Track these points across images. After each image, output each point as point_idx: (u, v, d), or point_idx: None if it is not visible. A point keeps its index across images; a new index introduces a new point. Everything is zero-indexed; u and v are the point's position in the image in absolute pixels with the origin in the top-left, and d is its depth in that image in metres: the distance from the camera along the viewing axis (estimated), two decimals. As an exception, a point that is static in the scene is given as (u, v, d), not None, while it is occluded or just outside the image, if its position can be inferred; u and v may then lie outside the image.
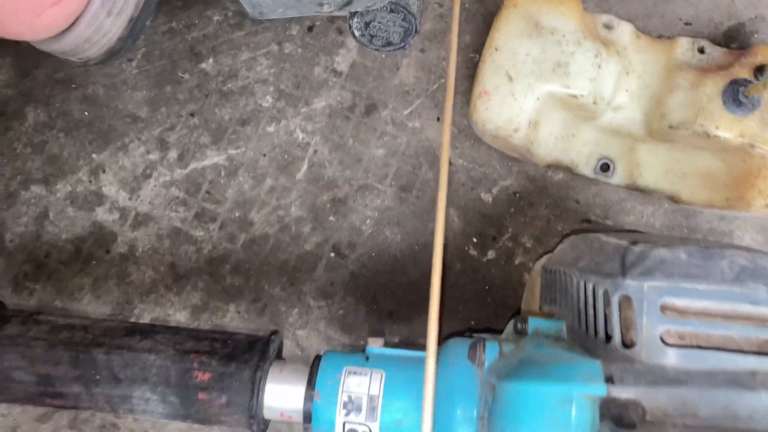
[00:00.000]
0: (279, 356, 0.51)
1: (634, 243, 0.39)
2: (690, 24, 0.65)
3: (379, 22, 0.56)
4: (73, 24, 0.36)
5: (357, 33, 0.57)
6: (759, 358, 0.35)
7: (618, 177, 0.61)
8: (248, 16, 0.64)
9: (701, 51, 0.58)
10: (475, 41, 0.66)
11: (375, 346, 0.48)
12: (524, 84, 0.55)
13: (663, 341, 0.35)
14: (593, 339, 0.39)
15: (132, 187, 0.66)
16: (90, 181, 0.67)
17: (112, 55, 0.40)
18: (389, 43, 0.59)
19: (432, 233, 0.63)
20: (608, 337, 0.38)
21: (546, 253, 0.58)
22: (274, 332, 0.51)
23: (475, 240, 0.64)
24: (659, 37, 0.64)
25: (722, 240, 0.62)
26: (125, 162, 0.67)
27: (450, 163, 0.66)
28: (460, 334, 0.52)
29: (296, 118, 0.66)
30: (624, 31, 0.58)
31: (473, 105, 0.57)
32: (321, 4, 0.48)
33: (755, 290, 0.36)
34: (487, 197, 0.64)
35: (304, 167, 0.66)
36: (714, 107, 0.54)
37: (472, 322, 0.64)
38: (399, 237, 0.65)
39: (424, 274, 0.64)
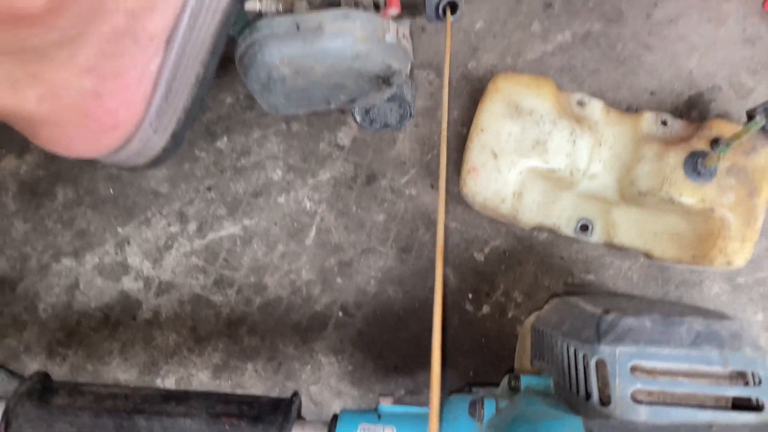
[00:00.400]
0: (299, 416, 0.57)
1: (607, 312, 0.45)
2: (655, 94, 0.72)
3: (378, 109, 0.64)
4: (125, 142, 0.43)
5: (358, 118, 0.64)
6: (714, 412, 0.41)
7: (596, 236, 0.68)
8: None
9: (664, 123, 0.65)
10: (463, 115, 0.73)
11: (385, 404, 0.54)
12: (508, 160, 0.62)
13: (634, 399, 0.42)
14: (576, 396, 0.45)
15: (155, 257, 0.72)
16: (116, 253, 0.73)
17: (156, 162, 0.47)
18: (387, 125, 0.66)
19: (431, 290, 0.70)
20: (588, 395, 0.44)
21: (535, 309, 0.64)
22: (295, 394, 0.56)
23: (470, 296, 0.70)
24: (627, 109, 0.72)
25: (692, 291, 0.69)
26: (148, 234, 0.73)
27: (445, 226, 0.72)
28: (460, 390, 0.58)
29: (304, 189, 0.73)
30: (595, 107, 0.66)
31: (463, 180, 0.63)
32: (329, 103, 0.55)
33: (709, 353, 0.42)
34: (480, 256, 0.71)
35: (313, 233, 0.72)
36: (677, 176, 0.61)
37: (471, 372, 0.70)
38: (401, 295, 0.71)
39: (425, 329, 0.70)
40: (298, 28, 0.47)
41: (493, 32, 0.74)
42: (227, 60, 0.75)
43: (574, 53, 0.74)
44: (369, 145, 0.73)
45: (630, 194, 0.64)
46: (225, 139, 0.75)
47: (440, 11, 0.56)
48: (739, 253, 0.60)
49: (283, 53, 0.48)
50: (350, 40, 0.47)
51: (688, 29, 0.73)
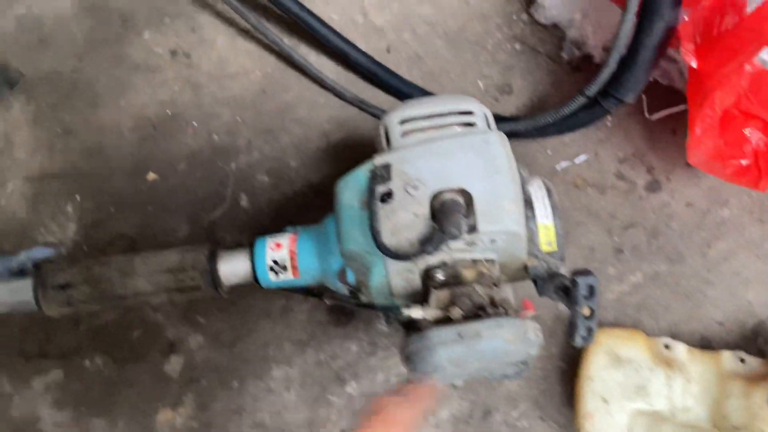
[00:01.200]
0: None
1: None
2: (722, 324, 0.84)
3: (500, 366, 0.75)
4: None
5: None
6: None
7: (697, 463, 0.76)
8: (379, 344, 0.83)
9: (742, 361, 0.76)
10: (560, 352, 0.85)
11: None
12: (617, 405, 0.73)
13: None
14: None
15: (300, 500, 0.81)
16: (264, 497, 0.81)
17: None
18: (506, 376, 0.77)
19: None
20: None
21: None
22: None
23: None
24: (701, 340, 0.83)
25: None
26: (292, 478, 0.82)
27: (556, 455, 0.81)
28: None
29: (427, 428, 0.83)
30: (680, 350, 0.77)
31: (580, 424, 0.74)
32: (473, 377, 0.67)
33: None
34: (593, 484, 0.79)
35: (439, 469, 0.81)
36: (765, 413, 0.71)
37: None
38: None
39: None
40: (460, 336, 0.60)
41: (576, 277, 0.88)
42: (349, 312, 0.88)
43: (646, 292, 0.86)
44: (481, 383, 0.84)
45: (724, 426, 0.74)
46: (354, 383, 0.86)
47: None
48: (834, 483, 0.69)
49: (449, 356, 0.60)
50: (502, 342, 0.60)
51: (740, 265, 0.87)
